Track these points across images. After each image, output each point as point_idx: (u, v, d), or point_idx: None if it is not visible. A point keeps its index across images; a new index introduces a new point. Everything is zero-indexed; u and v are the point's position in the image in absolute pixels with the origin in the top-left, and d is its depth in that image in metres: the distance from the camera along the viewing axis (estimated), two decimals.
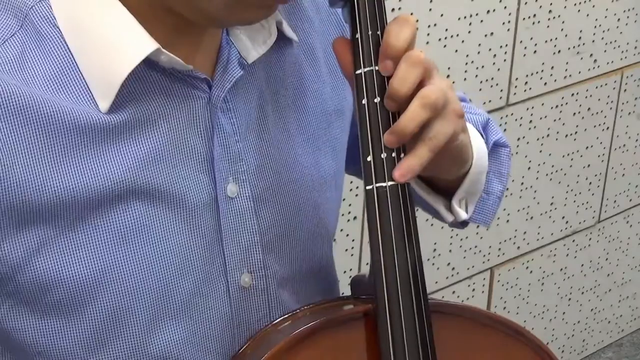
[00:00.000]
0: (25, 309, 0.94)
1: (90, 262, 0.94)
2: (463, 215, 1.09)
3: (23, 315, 0.95)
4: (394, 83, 0.92)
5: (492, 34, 2.26)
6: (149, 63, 0.93)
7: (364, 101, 0.94)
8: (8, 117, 0.89)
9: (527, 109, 2.42)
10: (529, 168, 2.49)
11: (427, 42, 2.14)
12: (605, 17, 2.49)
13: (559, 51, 2.42)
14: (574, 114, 2.53)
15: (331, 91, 1.10)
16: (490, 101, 2.33)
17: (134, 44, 0.92)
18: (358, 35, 0.94)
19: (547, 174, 2.54)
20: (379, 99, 0.94)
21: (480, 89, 2.29)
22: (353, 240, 2.17)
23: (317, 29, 1.09)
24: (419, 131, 0.93)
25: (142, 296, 0.96)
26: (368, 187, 0.94)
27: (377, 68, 0.94)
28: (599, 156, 2.65)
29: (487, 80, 2.30)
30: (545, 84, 2.43)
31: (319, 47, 1.09)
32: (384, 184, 0.93)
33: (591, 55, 2.50)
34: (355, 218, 2.16)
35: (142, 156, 0.94)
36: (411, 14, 2.08)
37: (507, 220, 2.49)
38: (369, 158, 0.93)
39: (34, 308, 0.94)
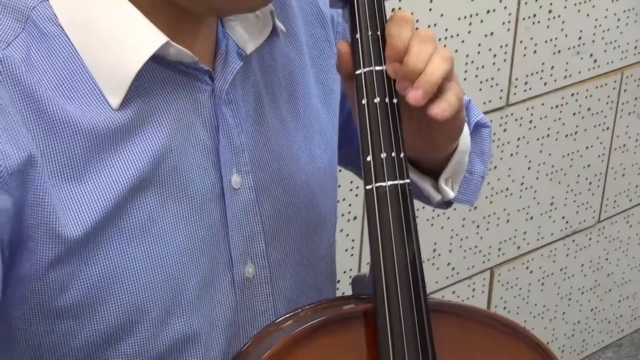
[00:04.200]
0: (38, 313, 0.94)
1: (106, 262, 0.94)
2: (450, 193, 1.12)
3: (35, 319, 0.94)
4: (409, 60, 0.93)
5: (492, 34, 2.26)
6: (153, 57, 0.94)
7: (364, 101, 0.94)
8: (39, 124, 0.90)
9: (527, 109, 2.42)
10: (529, 168, 2.49)
11: None
12: (605, 17, 2.49)
13: (559, 51, 2.43)
14: (574, 114, 2.53)
15: (316, 82, 1.11)
16: (490, 101, 2.33)
17: (143, 37, 0.92)
18: (358, 36, 0.95)
19: (547, 174, 2.54)
20: (378, 99, 0.94)
21: (480, 89, 2.29)
22: (353, 240, 2.17)
23: (300, 22, 1.10)
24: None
25: (153, 292, 0.96)
26: (368, 187, 0.94)
27: (377, 68, 0.95)
28: (599, 156, 2.65)
29: (487, 80, 2.30)
30: (545, 84, 2.43)
31: (303, 39, 1.10)
32: (383, 184, 0.94)
33: (591, 55, 2.51)
34: (355, 218, 2.16)
35: (152, 151, 0.95)
36: (411, 14, 2.08)
37: (507, 220, 2.49)
38: (369, 158, 0.94)
39: (46, 311, 0.94)
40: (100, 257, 0.94)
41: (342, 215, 2.10)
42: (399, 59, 0.94)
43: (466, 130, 1.13)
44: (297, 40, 1.09)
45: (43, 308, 0.94)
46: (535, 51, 2.37)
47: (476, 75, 2.27)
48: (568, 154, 2.57)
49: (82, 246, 0.92)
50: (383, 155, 0.94)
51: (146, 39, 0.93)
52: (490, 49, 2.27)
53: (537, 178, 2.52)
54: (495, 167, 2.40)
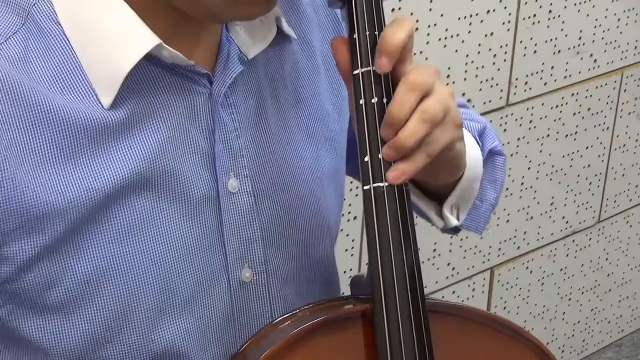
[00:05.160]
0: (27, 309, 0.95)
1: (94, 259, 0.94)
2: (453, 221, 1.10)
3: (25, 315, 0.95)
4: (393, 108, 0.92)
5: (492, 34, 2.26)
6: (150, 58, 0.94)
7: (362, 101, 0.94)
8: (16, 114, 0.90)
9: (527, 109, 2.42)
10: (529, 168, 2.49)
11: (427, 42, 2.14)
12: (605, 17, 2.49)
13: (559, 51, 2.43)
14: (574, 114, 2.53)
15: (328, 88, 1.11)
16: (490, 101, 2.33)
17: (136, 39, 0.93)
18: (356, 36, 0.94)
19: (547, 174, 2.54)
20: (376, 99, 0.94)
21: (480, 89, 2.29)
22: (353, 240, 2.17)
23: (315, 28, 1.09)
24: None
25: (145, 292, 0.96)
26: (365, 187, 0.94)
27: (374, 68, 0.94)
28: (599, 156, 2.65)
29: (487, 80, 2.30)
30: (545, 84, 2.43)
31: (317, 45, 1.09)
32: (381, 184, 0.94)
33: (591, 55, 2.50)
34: (355, 218, 2.16)
35: (144, 151, 0.95)
36: (411, 14, 2.08)
37: (507, 220, 2.49)
38: (367, 158, 0.94)
39: (35, 307, 0.94)
40: (88, 253, 0.94)
41: (342, 215, 2.09)
42: (387, 53, 0.92)
43: (478, 157, 1.12)
44: (309, 46, 1.09)
45: (33, 304, 0.94)
46: (535, 51, 2.37)
47: (476, 75, 2.27)
48: (568, 154, 2.57)
49: (68, 238, 0.92)
50: (381, 155, 0.93)
51: (138, 40, 0.93)
52: (490, 49, 2.27)
53: (537, 178, 2.52)
54: None
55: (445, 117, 0.94)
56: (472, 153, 1.09)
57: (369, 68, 0.94)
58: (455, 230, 1.14)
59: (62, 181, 0.92)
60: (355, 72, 0.94)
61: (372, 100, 0.94)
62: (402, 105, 0.92)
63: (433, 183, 1.07)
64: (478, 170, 1.12)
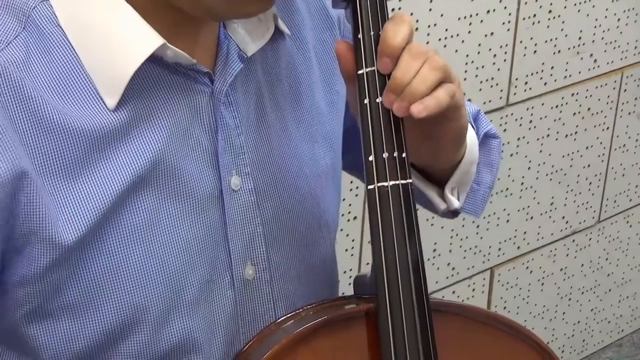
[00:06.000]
0: (38, 314, 0.95)
1: (103, 262, 0.94)
2: (455, 203, 1.11)
3: (36, 320, 0.95)
4: (397, 73, 0.92)
5: (492, 34, 2.26)
6: (152, 58, 0.94)
7: (366, 101, 0.94)
8: (28, 126, 0.90)
9: (527, 109, 2.42)
10: (529, 168, 2.49)
11: (427, 42, 2.14)
12: (605, 17, 2.49)
13: (559, 51, 2.43)
14: (574, 114, 2.54)
15: (322, 84, 1.11)
16: (490, 101, 2.33)
17: (140, 39, 0.93)
18: (360, 36, 0.95)
19: (547, 174, 2.54)
20: (380, 98, 0.94)
21: (480, 89, 2.29)
22: (353, 240, 2.17)
23: (307, 24, 1.10)
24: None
25: (152, 292, 0.97)
26: (370, 187, 0.94)
27: (378, 68, 0.94)
28: (599, 156, 2.65)
29: (487, 80, 2.30)
30: (545, 84, 2.43)
31: (310, 42, 1.10)
32: (385, 184, 0.94)
33: (591, 55, 2.51)
34: (355, 218, 2.16)
35: (149, 152, 0.95)
36: (411, 14, 2.08)
37: (507, 220, 2.49)
38: (371, 158, 0.94)
39: (45, 311, 0.94)
40: (97, 258, 0.94)
41: (342, 215, 2.10)
42: (389, 54, 0.93)
43: (475, 140, 1.13)
44: (304, 43, 1.09)
45: (42, 309, 0.94)
46: (535, 51, 2.37)
47: (476, 75, 2.27)
48: (568, 154, 2.57)
49: (79, 248, 0.93)
50: (385, 155, 0.94)
51: (142, 41, 0.93)
52: (490, 49, 2.27)
53: (537, 178, 2.52)
54: None
55: (446, 69, 0.95)
56: (469, 136, 1.10)
57: (373, 68, 0.94)
58: (454, 214, 1.15)
59: (71, 194, 0.92)
60: (360, 72, 0.95)
61: (377, 100, 0.94)
62: (406, 71, 0.92)
63: (437, 162, 1.08)
64: (475, 153, 1.13)
